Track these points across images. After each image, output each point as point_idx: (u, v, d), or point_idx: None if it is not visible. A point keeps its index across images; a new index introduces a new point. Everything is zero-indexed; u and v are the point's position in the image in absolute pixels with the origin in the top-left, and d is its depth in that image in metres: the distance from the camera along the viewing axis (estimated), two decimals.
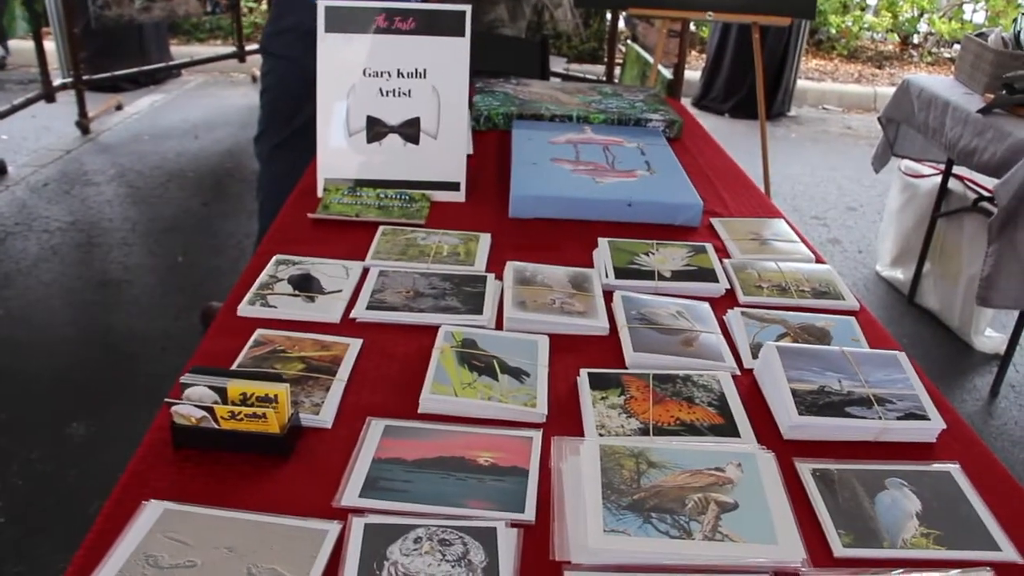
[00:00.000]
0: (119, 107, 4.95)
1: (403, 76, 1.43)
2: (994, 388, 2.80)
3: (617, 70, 4.56)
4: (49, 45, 4.52)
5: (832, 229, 3.90)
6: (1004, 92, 2.77)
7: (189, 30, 6.39)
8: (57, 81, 4.43)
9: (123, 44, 5.06)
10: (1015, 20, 3.22)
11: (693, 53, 6.30)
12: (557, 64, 4.76)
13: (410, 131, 1.45)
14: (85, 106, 4.54)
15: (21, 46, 4.92)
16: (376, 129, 1.44)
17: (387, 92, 1.43)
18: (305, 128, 2.42)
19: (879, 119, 3.33)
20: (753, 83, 3.48)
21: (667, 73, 3.57)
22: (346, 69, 1.42)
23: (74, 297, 2.94)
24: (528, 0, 3.38)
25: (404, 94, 1.43)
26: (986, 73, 2.99)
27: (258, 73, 4.50)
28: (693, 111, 5.53)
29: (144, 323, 2.79)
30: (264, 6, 6.34)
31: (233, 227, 3.51)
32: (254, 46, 5.08)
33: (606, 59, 4.51)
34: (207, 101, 5.19)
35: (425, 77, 1.43)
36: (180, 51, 5.72)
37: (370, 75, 1.43)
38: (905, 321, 3.21)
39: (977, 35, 3.20)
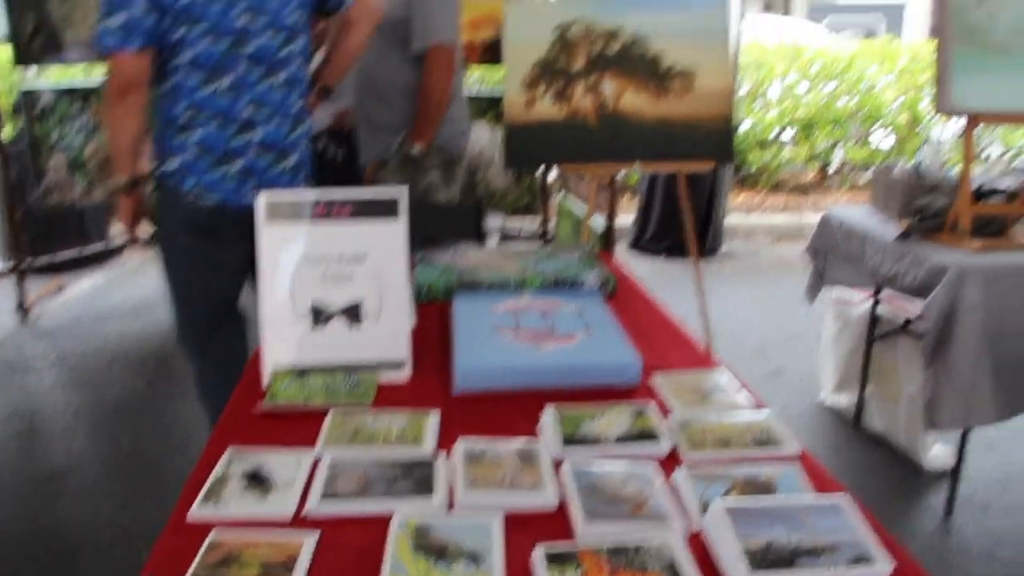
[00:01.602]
0: (60, 289, 4.96)
1: (343, 261, 1.48)
2: (948, 505, 2.83)
3: (554, 220, 4.71)
4: None
5: (773, 361, 3.99)
6: (917, 219, 2.93)
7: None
8: None
9: (65, 227, 5.12)
10: (916, 152, 3.44)
11: (626, 196, 6.54)
12: (495, 219, 4.91)
13: (353, 314, 1.49)
14: (25, 291, 4.53)
15: None
16: (320, 314, 1.48)
17: (328, 278, 1.48)
18: (222, 316, 2.47)
19: (806, 251, 3.47)
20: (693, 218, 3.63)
21: (600, 224, 3.70)
22: (287, 258, 1.47)
23: (16, 491, 2.87)
24: (460, 162, 3.49)
25: (345, 278, 1.48)
26: (898, 202, 3.16)
27: None
28: (630, 254, 5.73)
29: (90, 515, 2.72)
30: None
31: (179, 408, 3.48)
32: None
33: (541, 212, 4.67)
34: (149, 280, 5.21)
35: (365, 261, 1.48)
36: (120, 230, 5.78)
37: (311, 262, 1.48)
38: (853, 447, 3.27)
39: (885, 168, 3.40)
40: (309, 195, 1.47)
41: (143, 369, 3.92)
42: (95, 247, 5.33)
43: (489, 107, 4.58)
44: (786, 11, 19.24)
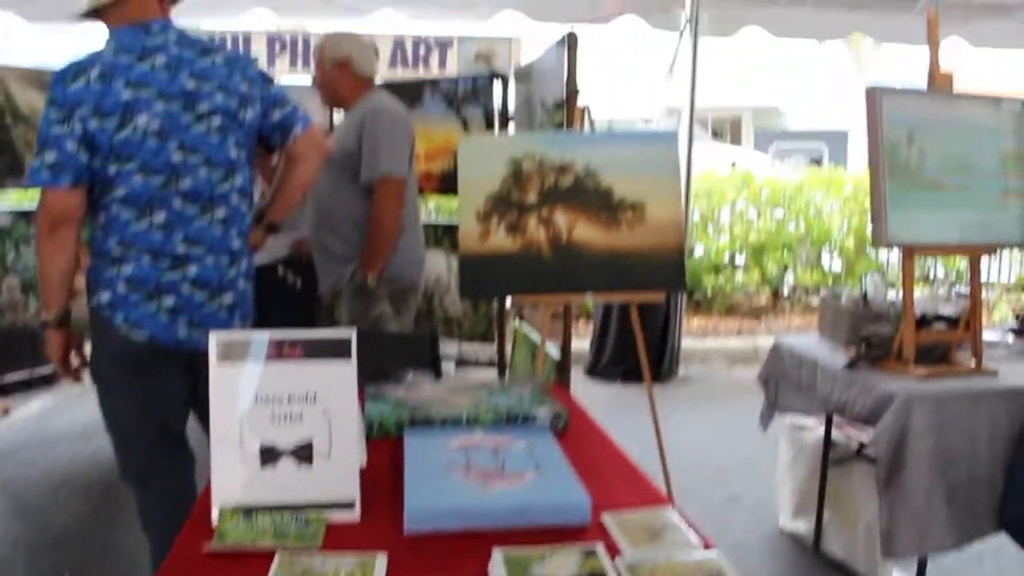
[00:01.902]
0: (6, 412, 4.84)
1: (294, 401, 1.48)
2: None
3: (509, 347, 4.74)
4: None
5: (730, 487, 3.99)
6: (864, 347, 3.00)
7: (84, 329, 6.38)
8: None
9: (16, 348, 5.03)
10: (861, 279, 3.55)
11: (581, 323, 6.61)
12: (450, 346, 4.93)
13: (303, 454, 1.48)
14: None
15: None
16: (269, 454, 1.47)
17: (279, 417, 1.48)
18: (163, 449, 2.43)
19: (758, 379, 3.52)
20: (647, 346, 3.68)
21: (555, 352, 3.73)
22: (238, 397, 1.47)
23: None
24: (413, 291, 3.54)
25: (296, 418, 1.48)
26: (845, 330, 3.24)
27: None
28: (586, 380, 5.76)
29: None
30: None
31: (125, 538, 3.37)
32: None
33: (496, 339, 4.70)
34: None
35: (315, 401, 1.49)
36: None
37: (261, 401, 1.48)
38: (812, 573, 3.25)
39: (832, 296, 3.49)
40: (260, 335, 1.48)
41: (89, 494, 3.81)
42: (45, 369, 5.24)
43: (445, 235, 4.67)
44: (735, 139, 20.01)
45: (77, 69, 2.14)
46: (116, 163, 2.16)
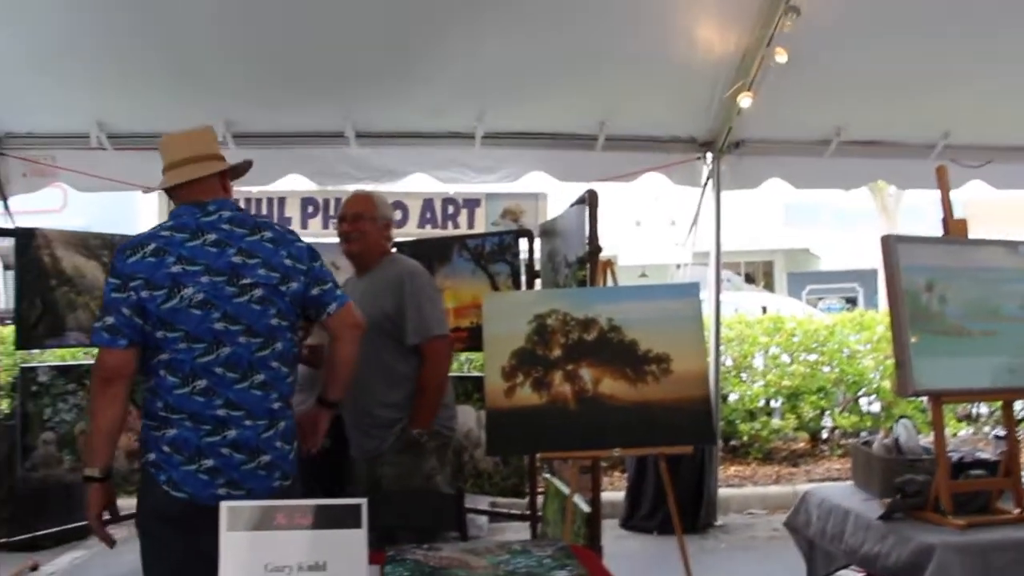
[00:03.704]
0: (34, 568, 4.82)
1: (303, 569, 1.49)
2: None
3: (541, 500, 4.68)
4: None
5: None
6: (899, 497, 2.93)
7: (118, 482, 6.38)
8: None
9: (49, 503, 5.06)
10: (891, 427, 3.50)
11: (615, 474, 6.52)
12: (481, 502, 4.88)
13: None
14: (2, 570, 4.42)
15: None
16: None
17: None
18: None
19: (785, 525, 3.44)
20: (679, 498, 3.62)
21: (584, 506, 3.68)
22: (248, 565, 1.49)
23: None
24: (451, 444, 3.54)
25: None
26: (878, 479, 3.18)
27: None
28: (621, 533, 5.63)
29: None
30: None
31: None
32: None
33: (528, 493, 4.64)
34: (128, 558, 5.08)
35: (325, 569, 1.50)
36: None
37: (271, 570, 1.49)
38: None
39: (863, 443, 3.44)
40: (270, 504, 1.50)
41: None
42: (77, 524, 5.24)
43: (475, 390, 4.69)
44: (767, 284, 20.09)
45: (135, 244, 2.38)
46: (163, 330, 2.34)
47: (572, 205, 4.02)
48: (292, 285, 2.46)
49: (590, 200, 3.72)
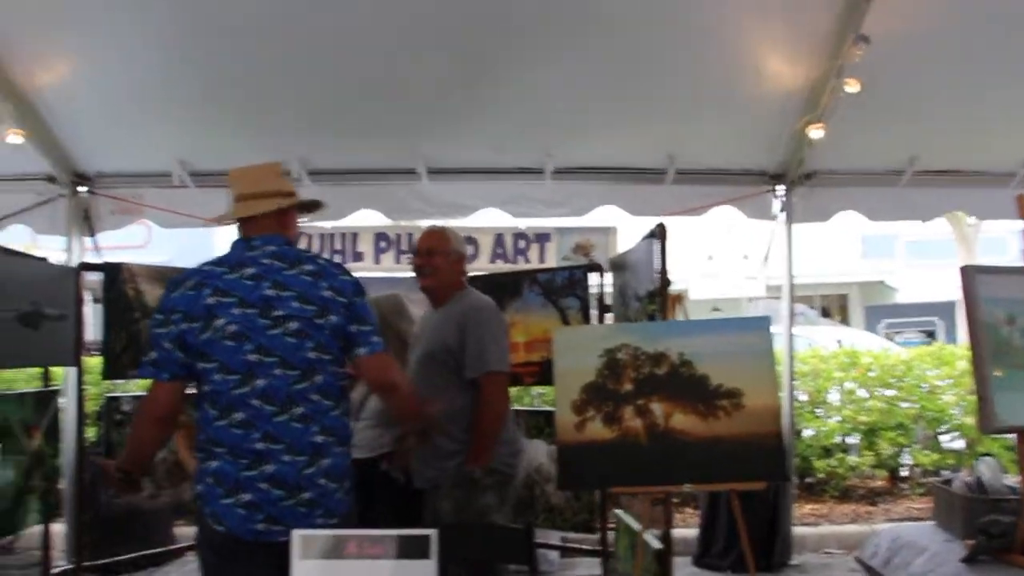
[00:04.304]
0: None
1: None
2: None
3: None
4: (57, 528, 4.76)
5: None
6: (983, 539, 2.84)
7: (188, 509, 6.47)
8: (59, 567, 4.62)
9: (130, 529, 5.18)
10: (973, 465, 3.39)
11: (688, 511, 6.43)
12: (552, 537, 4.85)
13: None
14: None
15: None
16: None
17: None
18: None
19: (856, 559, 3.35)
20: (752, 536, 3.55)
21: (655, 543, 3.64)
22: None
23: None
24: (513, 482, 3.54)
25: None
26: (960, 520, 3.09)
27: None
28: (694, 571, 5.54)
29: None
30: None
31: None
32: None
33: (599, 529, 4.61)
34: None
35: None
36: (185, 532, 5.78)
37: None
38: None
39: (944, 482, 3.35)
40: (342, 533, 1.53)
41: None
42: (156, 548, 5.37)
43: (546, 424, 4.69)
44: (843, 318, 19.66)
45: (179, 280, 2.50)
46: (202, 361, 2.42)
47: (643, 239, 4.02)
48: (331, 318, 2.48)
49: (660, 233, 3.71)
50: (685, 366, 3.35)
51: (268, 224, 2.55)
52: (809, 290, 18.10)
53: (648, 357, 3.36)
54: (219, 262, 2.50)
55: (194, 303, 2.41)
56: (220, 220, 2.65)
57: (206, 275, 2.47)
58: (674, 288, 3.77)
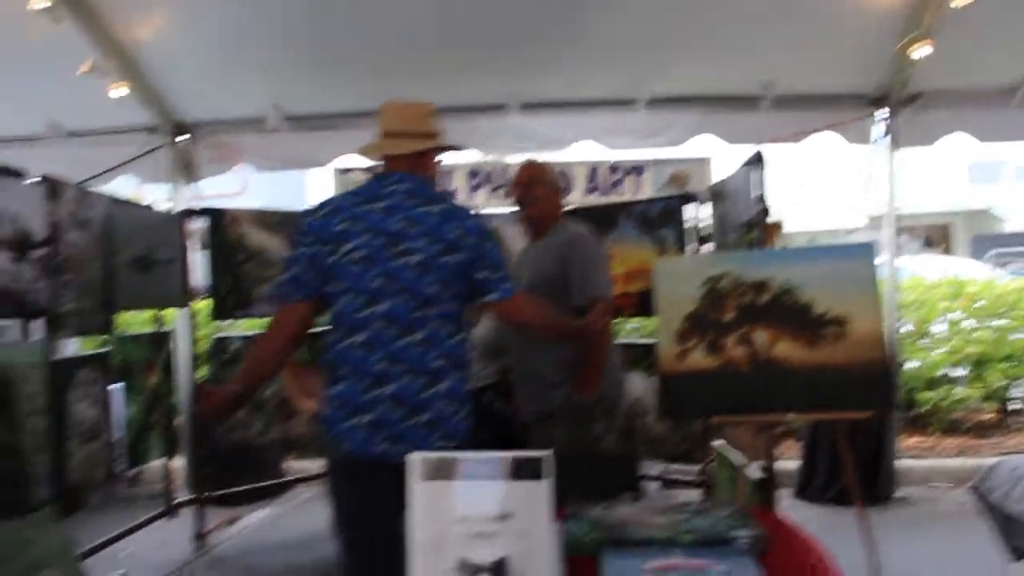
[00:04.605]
0: (234, 521, 5.18)
1: (490, 520, 1.54)
2: None
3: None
4: (175, 463, 5.01)
5: None
6: None
7: (298, 445, 6.66)
8: (179, 498, 4.85)
9: (241, 462, 5.41)
10: None
11: (789, 443, 6.36)
12: (653, 468, 4.87)
13: (499, 572, 1.53)
14: (204, 522, 4.81)
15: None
16: (467, 571, 1.53)
17: (475, 536, 1.54)
18: (377, 558, 2.55)
19: (969, 489, 3.27)
20: (856, 469, 3.49)
21: (757, 473, 3.62)
22: (436, 514, 1.55)
23: None
24: (619, 410, 3.56)
25: (492, 537, 1.54)
26: None
27: None
28: (795, 503, 5.50)
29: None
30: None
31: None
32: None
33: (701, 460, 4.61)
34: (316, 515, 5.38)
35: (511, 520, 1.54)
36: (294, 466, 6.00)
37: (458, 520, 1.55)
38: None
39: None
40: (456, 455, 1.56)
41: None
42: (268, 481, 5.59)
43: (643, 356, 4.68)
44: (946, 249, 18.97)
45: (317, 207, 2.63)
46: (330, 283, 2.53)
47: (741, 167, 3.93)
48: (457, 256, 2.53)
49: (757, 160, 3.62)
50: (787, 294, 3.29)
51: (408, 162, 2.62)
52: (911, 220, 17.50)
53: (750, 285, 3.30)
54: (354, 193, 2.61)
55: (325, 228, 2.52)
56: (363, 152, 2.74)
57: (339, 204, 2.58)
58: (770, 219, 3.67)
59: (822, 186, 16.27)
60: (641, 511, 2.13)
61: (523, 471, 1.55)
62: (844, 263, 3.32)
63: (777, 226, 3.72)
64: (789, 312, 3.26)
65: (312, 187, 16.97)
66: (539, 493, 1.55)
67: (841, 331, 3.21)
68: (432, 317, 2.51)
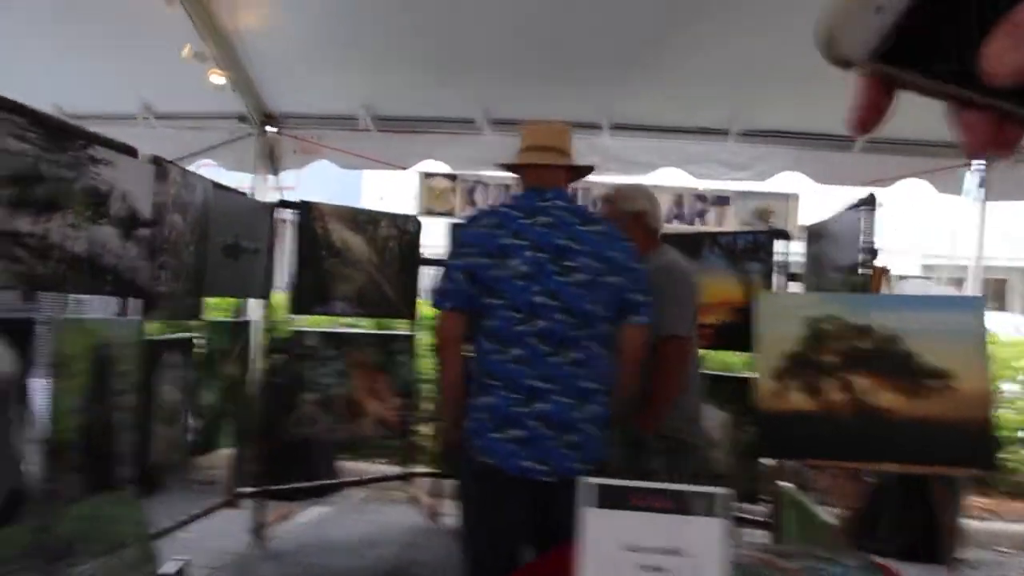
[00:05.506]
0: (289, 516, 5.18)
1: (660, 553, 1.51)
2: None
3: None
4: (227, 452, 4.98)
5: None
6: None
7: (355, 446, 6.59)
8: (239, 489, 4.84)
9: (302, 457, 5.42)
10: None
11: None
12: None
13: None
14: (263, 515, 4.80)
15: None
16: None
17: (645, 567, 1.50)
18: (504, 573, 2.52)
19: None
20: (922, 524, 3.41)
21: (829, 519, 3.55)
22: (607, 542, 1.52)
23: None
24: (685, 449, 3.47)
25: (662, 570, 1.50)
26: None
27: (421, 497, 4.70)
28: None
29: None
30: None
31: None
32: (420, 468, 5.36)
33: (770, 501, 4.53)
34: (370, 518, 5.40)
35: (682, 554, 1.50)
36: (344, 467, 6.00)
37: (629, 549, 1.51)
38: None
39: None
40: (629, 484, 1.53)
41: None
42: (321, 480, 5.58)
43: (717, 389, 4.62)
44: (1000, 306, 18.65)
45: (477, 217, 2.67)
46: (489, 297, 2.51)
47: (847, 208, 3.87)
48: (615, 279, 2.56)
49: (870, 203, 3.57)
50: (891, 342, 3.23)
51: (554, 178, 2.65)
52: (961, 273, 17.20)
53: (854, 329, 3.25)
54: (513, 207, 2.60)
55: (489, 240, 2.52)
56: (506, 166, 2.79)
57: (503, 217, 2.58)
58: (878, 263, 3.62)
59: (927, 232, 16.07)
60: (770, 553, 2.09)
61: (696, 506, 1.51)
62: (952, 314, 3.26)
63: (884, 271, 3.66)
64: (892, 361, 3.20)
65: (368, 189, 17.06)
66: (712, 530, 1.51)
67: (945, 384, 3.14)
68: (586, 337, 2.51)
